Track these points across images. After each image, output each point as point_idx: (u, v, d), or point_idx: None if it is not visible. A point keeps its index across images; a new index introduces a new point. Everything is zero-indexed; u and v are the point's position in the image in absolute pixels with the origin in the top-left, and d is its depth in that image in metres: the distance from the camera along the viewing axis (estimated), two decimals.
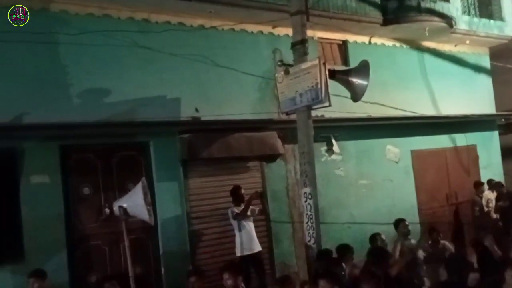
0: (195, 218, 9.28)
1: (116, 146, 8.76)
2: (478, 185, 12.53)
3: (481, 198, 12.31)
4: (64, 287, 7.72)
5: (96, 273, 8.33)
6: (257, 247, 8.65)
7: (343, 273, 6.69)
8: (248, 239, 8.51)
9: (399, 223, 8.94)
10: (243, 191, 8.80)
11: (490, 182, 12.76)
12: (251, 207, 8.53)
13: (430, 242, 9.23)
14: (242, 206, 8.48)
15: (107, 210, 6.91)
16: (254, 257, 8.57)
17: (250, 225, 8.61)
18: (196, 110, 9.38)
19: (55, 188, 8.00)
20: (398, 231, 8.90)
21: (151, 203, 7.54)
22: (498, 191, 12.49)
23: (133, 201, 6.57)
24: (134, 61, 8.88)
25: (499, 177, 14.05)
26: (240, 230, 8.48)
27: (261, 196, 8.88)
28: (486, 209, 12.25)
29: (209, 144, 9.17)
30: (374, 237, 8.49)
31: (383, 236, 8.50)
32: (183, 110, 9.28)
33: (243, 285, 6.62)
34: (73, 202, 8.28)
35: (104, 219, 8.24)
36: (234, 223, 8.55)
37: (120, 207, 6.56)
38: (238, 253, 8.54)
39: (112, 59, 8.68)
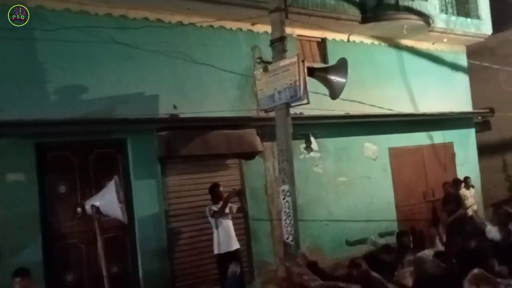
0: (173, 216, 9.24)
1: (93, 143, 8.68)
2: (456, 182, 12.56)
3: None
4: (40, 286, 7.58)
5: (72, 271, 8.26)
6: (235, 245, 8.61)
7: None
8: (225, 237, 8.46)
9: (402, 236, 8.40)
10: (221, 188, 8.74)
11: (466, 179, 12.85)
12: (229, 204, 8.50)
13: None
14: (221, 204, 8.45)
15: (79, 210, 6.85)
16: (232, 255, 8.53)
17: (228, 223, 8.56)
18: (174, 107, 9.32)
19: (30, 186, 7.90)
20: (398, 243, 8.32)
21: (128, 201, 7.51)
22: (446, 192, 12.07)
23: (106, 200, 6.50)
24: (111, 57, 8.79)
25: (475, 174, 14.24)
26: (217, 228, 8.43)
27: (240, 193, 8.84)
28: None
29: (187, 142, 9.11)
30: (401, 236, 8.19)
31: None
32: (161, 107, 9.22)
33: None
34: (49, 200, 8.19)
35: (80, 217, 8.16)
36: (212, 220, 8.50)
37: (93, 205, 6.50)
38: (215, 251, 8.50)
39: (89, 55, 8.58)
